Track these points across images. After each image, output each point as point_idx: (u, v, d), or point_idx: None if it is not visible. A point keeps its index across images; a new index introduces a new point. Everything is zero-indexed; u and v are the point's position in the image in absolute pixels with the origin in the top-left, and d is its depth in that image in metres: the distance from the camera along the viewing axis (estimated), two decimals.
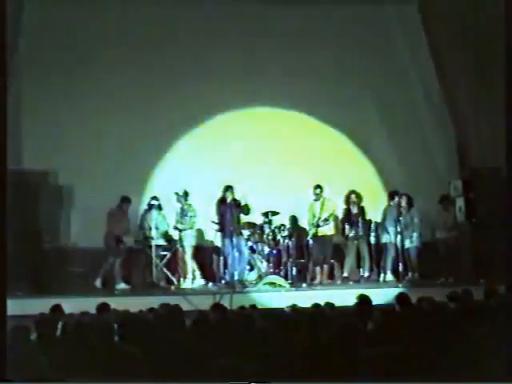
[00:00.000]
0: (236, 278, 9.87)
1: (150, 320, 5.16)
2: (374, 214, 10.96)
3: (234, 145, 11.51)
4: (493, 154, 10.17)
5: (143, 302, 7.29)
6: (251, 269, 10.59)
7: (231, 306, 6.92)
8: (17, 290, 8.90)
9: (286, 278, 10.29)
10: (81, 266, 10.59)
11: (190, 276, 10.46)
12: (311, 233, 10.45)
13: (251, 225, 10.65)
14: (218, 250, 10.54)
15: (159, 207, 10.60)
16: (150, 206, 10.61)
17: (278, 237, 10.60)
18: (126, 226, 10.53)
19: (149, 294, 9.48)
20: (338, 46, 11.72)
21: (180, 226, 10.48)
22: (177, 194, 10.53)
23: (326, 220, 10.38)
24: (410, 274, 10.28)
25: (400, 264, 10.13)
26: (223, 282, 10.25)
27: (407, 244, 10.37)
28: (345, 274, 10.56)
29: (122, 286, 10.29)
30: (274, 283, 10.05)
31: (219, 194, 10.07)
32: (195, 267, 10.52)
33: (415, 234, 10.43)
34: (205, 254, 10.93)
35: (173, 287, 10.32)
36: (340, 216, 10.80)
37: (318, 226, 10.33)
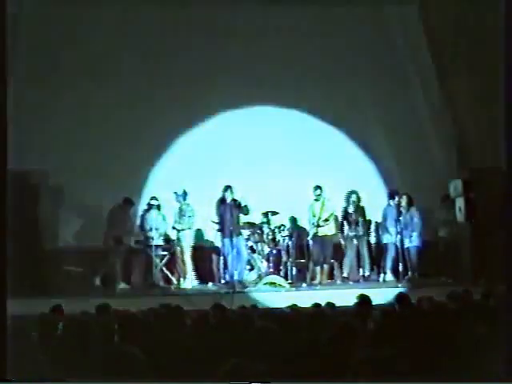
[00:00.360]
0: (236, 277, 9.88)
1: (150, 320, 5.15)
2: (374, 214, 10.98)
3: (234, 145, 11.52)
4: (493, 154, 10.17)
5: (143, 302, 7.29)
6: (251, 269, 10.60)
7: (231, 306, 6.90)
8: (17, 290, 8.90)
9: (285, 278, 10.30)
10: (79, 265, 10.60)
11: (189, 276, 10.46)
12: (311, 233, 10.46)
13: (251, 225, 10.66)
14: (217, 250, 10.55)
15: (158, 207, 10.61)
16: (150, 206, 10.62)
17: (278, 237, 10.61)
18: (127, 227, 10.53)
19: (149, 294, 9.49)
20: (338, 46, 11.72)
21: (178, 226, 10.48)
22: (176, 193, 10.54)
23: (326, 220, 10.39)
24: (409, 273, 10.29)
25: (400, 264, 10.15)
26: (223, 282, 10.26)
27: (407, 244, 10.38)
28: (344, 274, 10.58)
29: (122, 286, 10.29)
30: (274, 283, 10.06)
31: (219, 194, 10.08)
32: (190, 268, 10.48)
33: (415, 234, 10.44)
34: (205, 254, 10.94)
35: (173, 287, 10.32)
36: (340, 216, 10.82)
37: (318, 225, 10.34)
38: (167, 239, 10.74)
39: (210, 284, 10.62)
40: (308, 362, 3.80)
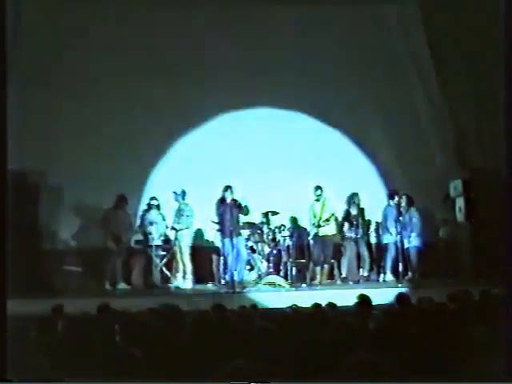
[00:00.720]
0: (236, 278, 9.88)
1: (150, 320, 5.15)
2: (374, 214, 10.98)
3: (234, 145, 11.52)
4: (493, 154, 10.17)
5: (143, 302, 7.29)
6: (251, 269, 10.61)
7: (231, 306, 6.90)
8: (17, 290, 8.90)
9: (285, 278, 10.31)
10: (79, 265, 10.60)
11: (189, 276, 10.45)
12: (312, 233, 10.47)
13: (251, 225, 10.66)
14: (217, 250, 10.55)
15: (158, 207, 10.61)
16: (150, 206, 10.62)
17: (278, 237, 10.61)
18: (125, 225, 10.49)
19: (149, 294, 9.49)
20: (338, 46, 11.72)
21: (177, 226, 10.47)
22: (175, 192, 10.52)
23: (327, 220, 10.39)
24: (409, 273, 10.30)
25: (400, 264, 10.15)
26: (223, 282, 10.26)
27: (407, 244, 10.38)
28: (343, 275, 10.58)
29: (122, 285, 10.30)
30: (274, 283, 10.06)
31: (219, 194, 10.08)
32: (189, 268, 10.46)
33: (414, 234, 10.44)
34: (205, 254, 10.94)
35: (173, 287, 10.32)
36: (340, 216, 10.82)
37: (318, 226, 10.35)
38: (166, 239, 10.74)
39: (210, 284, 10.62)
40: (308, 361, 3.80)
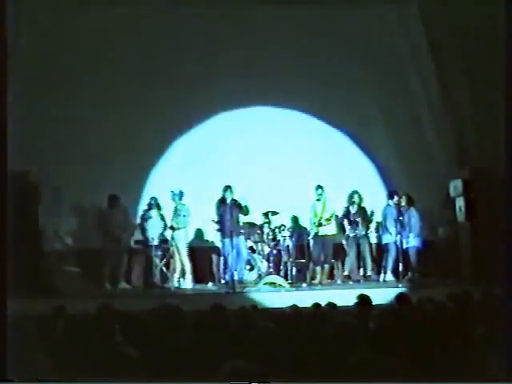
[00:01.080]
0: (236, 277, 9.88)
1: (150, 320, 5.15)
2: (375, 213, 10.98)
3: (234, 145, 11.52)
4: (493, 154, 10.16)
5: (143, 302, 7.29)
6: (251, 269, 10.61)
7: (231, 306, 6.90)
8: (17, 290, 8.90)
9: (285, 278, 10.31)
10: (79, 265, 10.59)
11: (188, 276, 10.43)
12: (312, 232, 10.47)
13: (251, 225, 10.66)
14: (217, 250, 10.55)
15: (158, 207, 10.61)
16: (150, 206, 10.62)
17: (278, 237, 10.61)
18: (122, 224, 10.47)
19: (149, 294, 9.50)
20: (337, 46, 11.72)
21: (174, 226, 10.43)
22: (172, 192, 10.50)
23: (328, 220, 10.39)
24: (409, 273, 10.30)
25: (400, 264, 10.15)
26: (223, 282, 10.26)
27: (407, 244, 10.38)
28: (345, 273, 10.59)
29: (123, 285, 10.30)
30: (274, 283, 10.06)
31: (219, 194, 10.09)
32: (187, 268, 10.45)
33: (414, 234, 10.44)
34: (205, 254, 10.94)
35: (172, 287, 10.32)
36: (341, 216, 10.82)
37: (319, 225, 10.35)
38: (165, 239, 10.73)
39: (210, 284, 10.63)
40: (308, 361, 3.80)
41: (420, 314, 5.34)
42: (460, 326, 4.61)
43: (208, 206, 10.28)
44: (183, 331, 4.87)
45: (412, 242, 10.41)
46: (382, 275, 10.60)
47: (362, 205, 10.76)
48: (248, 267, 10.55)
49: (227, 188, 9.96)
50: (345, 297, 7.37)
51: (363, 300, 5.82)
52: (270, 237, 10.62)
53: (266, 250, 10.55)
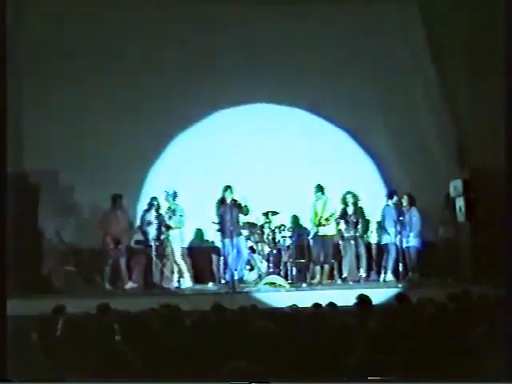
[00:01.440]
0: (236, 277, 9.88)
1: (150, 320, 5.15)
2: (374, 214, 10.98)
3: (235, 144, 11.51)
4: (493, 154, 10.15)
5: (143, 302, 7.29)
6: (251, 269, 10.61)
7: (231, 306, 6.90)
8: (17, 290, 8.91)
9: (286, 278, 10.30)
10: (79, 265, 10.58)
11: (186, 275, 10.39)
12: (312, 232, 10.47)
13: (251, 225, 10.65)
14: (217, 250, 10.55)
15: (158, 207, 10.59)
16: (150, 206, 10.61)
17: (278, 237, 10.61)
18: (123, 225, 10.46)
19: (149, 294, 9.49)
20: (338, 46, 11.72)
21: (172, 225, 10.39)
22: (166, 192, 10.47)
23: (327, 220, 10.38)
24: (409, 273, 10.29)
25: (400, 264, 10.15)
26: (223, 282, 10.25)
27: (407, 244, 10.37)
28: (344, 275, 10.57)
29: (129, 285, 10.28)
30: (274, 283, 10.05)
31: (219, 194, 10.08)
32: (184, 267, 10.43)
33: (415, 234, 10.44)
34: (204, 254, 10.94)
35: (172, 287, 10.31)
36: (338, 216, 10.80)
37: (319, 225, 10.34)
38: (162, 239, 10.67)
39: (210, 284, 10.62)
40: (308, 361, 3.80)
41: (420, 314, 5.34)
42: (460, 326, 4.61)
43: (208, 206, 10.27)
44: (183, 331, 4.87)
45: (413, 241, 10.40)
46: (382, 275, 10.59)
47: (360, 205, 10.72)
48: (248, 267, 10.55)
49: (227, 188, 9.96)
50: (345, 297, 7.37)
51: (363, 300, 5.82)
52: (270, 237, 10.61)
53: (266, 249, 10.54)
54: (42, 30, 11.13)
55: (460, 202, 10.66)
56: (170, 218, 10.35)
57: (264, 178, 11.18)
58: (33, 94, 10.93)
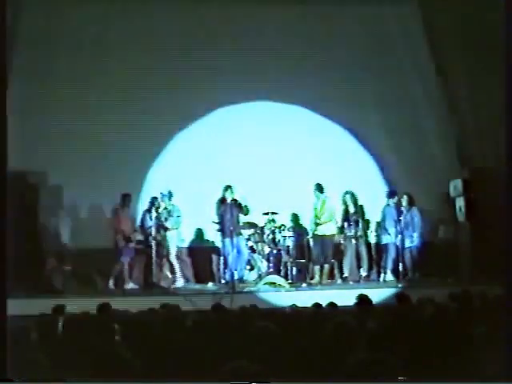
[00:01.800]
0: (236, 277, 9.87)
1: (150, 320, 5.15)
2: (375, 213, 10.98)
3: (235, 144, 11.51)
4: (493, 154, 10.17)
5: (143, 302, 7.29)
6: (251, 269, 10.60)
7: (231, 306, 6.91)
8: (17, 290, 8.90)
9: (286, 278, 10.30)
10: (79, 265, 10.57)
11: (178, 275, 10.36)
12: (312, 232, 10.46)
13: (251, 225, 10.65)
14: (217, 250, 10.54)
15: (159, 207, 10.58)
16: (150, 206, 10.60)
17: (278, 237, 10.60)
18: (132, 224, 10.50)
19: (149, 294, 9.49)
20: (338, 46, 11.72)
21: (169, 226, 10.37)
22: (161, 193, 10.45)
23: (327, 220, 10.37)
24: (409, 273, 10.29)
25: (400, 264, 10.15)
26: (223, 281, 10.25)
27: (407, 244, 10.37)
28: (345, 274, 10.57)
29: (131, 285, 10.28)
30: (274, 283, 10.05)
31: (219, 194, 10.08)
32: (177, 267, 10.42)
33: (415, 234, 10.44)
34: (205, 254, 10.93)
35: (172, 287, 10.31)
36: (339, 216, 10.80)
37: (319, 224, 10.34)
38: (159, 239, 10.66)
39: (210, 284, 10.61)
40: (308, 361, 3.80)
41: (420, 314, 5.34)
42: (460, 326, 4.61)
43: (208, 206, 10.27)
44: (183, 331, 4.87)
45: (414, 241, 10.40)
46: (382, 275, 10.59)
47: (359, 204, 10.71)
48: (248, 267, 10.54)
49: (227, 188, 9.96)
50: (345, 297, 7.37)
51: (363, 300, 5.83)
52: (270, 237, 10.61)
53: (266, 249, 10.54)
54: (41, 29, 11.12)
55: (460, 202, 10.66)
56: (166, 219, 10.32)
57: (264, 177, 11.16)
58: (33, 94, 10.91)
